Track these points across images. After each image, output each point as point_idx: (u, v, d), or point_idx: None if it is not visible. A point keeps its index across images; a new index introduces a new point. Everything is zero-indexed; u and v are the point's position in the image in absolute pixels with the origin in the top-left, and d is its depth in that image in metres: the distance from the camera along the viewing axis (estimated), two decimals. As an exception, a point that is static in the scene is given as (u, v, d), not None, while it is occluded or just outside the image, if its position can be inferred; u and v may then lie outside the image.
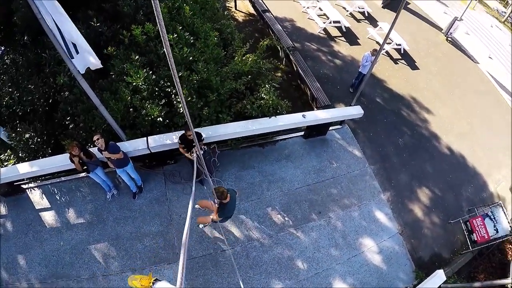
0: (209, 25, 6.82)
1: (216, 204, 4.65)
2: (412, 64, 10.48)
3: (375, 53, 8.05)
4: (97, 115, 5.79)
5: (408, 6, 13.19)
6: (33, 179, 6.09)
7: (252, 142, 6.96)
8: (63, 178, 6.22)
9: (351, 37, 11.02)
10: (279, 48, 9.29)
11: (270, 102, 6.29)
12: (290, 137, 7.31)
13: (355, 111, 6.82)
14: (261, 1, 10.66)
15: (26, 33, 7.18)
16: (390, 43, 10.51)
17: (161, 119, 5.74)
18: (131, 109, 5.86)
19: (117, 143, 5.19)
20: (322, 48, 10.33)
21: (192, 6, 7.18)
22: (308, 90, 8.21)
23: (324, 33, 10.98)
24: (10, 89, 6.32)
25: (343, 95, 8.81)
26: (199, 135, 5.40)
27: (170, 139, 5.75)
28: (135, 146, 5.64)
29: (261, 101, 6.33)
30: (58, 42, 3.70)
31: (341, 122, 7.56)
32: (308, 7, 11.85)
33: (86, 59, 4.02)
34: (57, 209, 5.88)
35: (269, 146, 7.14)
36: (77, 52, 3.95)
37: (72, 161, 4.94)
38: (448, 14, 13.59)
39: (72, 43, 3.78)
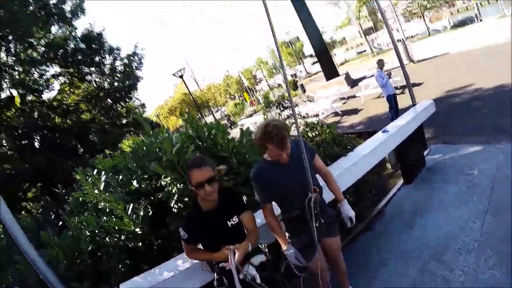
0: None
1: None
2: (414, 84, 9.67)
3: (382, 62, 6.70)
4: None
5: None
6: None
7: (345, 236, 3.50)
8: None
9: (350, 112, 10.73)
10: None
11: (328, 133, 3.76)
12: (391, 197, 4.10)
13: (426, 104, 4.64)
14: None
15: None
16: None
17: (138, 230, 2.55)
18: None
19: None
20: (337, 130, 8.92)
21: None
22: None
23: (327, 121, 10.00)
24: None
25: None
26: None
27: (172, 267, 2.30)
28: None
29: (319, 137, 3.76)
30: None
31: (424, 146, 5.02)
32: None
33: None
34: None
35: (377, 223, 3.61)
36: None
37: None
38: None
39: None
